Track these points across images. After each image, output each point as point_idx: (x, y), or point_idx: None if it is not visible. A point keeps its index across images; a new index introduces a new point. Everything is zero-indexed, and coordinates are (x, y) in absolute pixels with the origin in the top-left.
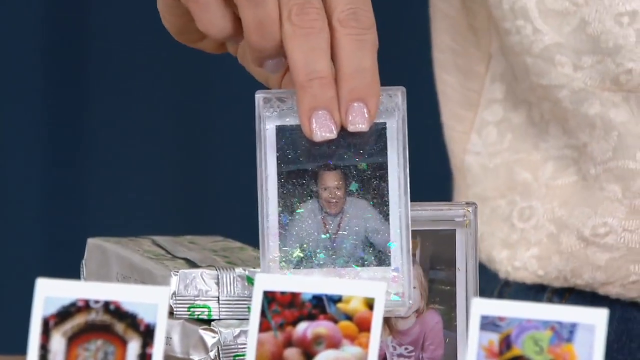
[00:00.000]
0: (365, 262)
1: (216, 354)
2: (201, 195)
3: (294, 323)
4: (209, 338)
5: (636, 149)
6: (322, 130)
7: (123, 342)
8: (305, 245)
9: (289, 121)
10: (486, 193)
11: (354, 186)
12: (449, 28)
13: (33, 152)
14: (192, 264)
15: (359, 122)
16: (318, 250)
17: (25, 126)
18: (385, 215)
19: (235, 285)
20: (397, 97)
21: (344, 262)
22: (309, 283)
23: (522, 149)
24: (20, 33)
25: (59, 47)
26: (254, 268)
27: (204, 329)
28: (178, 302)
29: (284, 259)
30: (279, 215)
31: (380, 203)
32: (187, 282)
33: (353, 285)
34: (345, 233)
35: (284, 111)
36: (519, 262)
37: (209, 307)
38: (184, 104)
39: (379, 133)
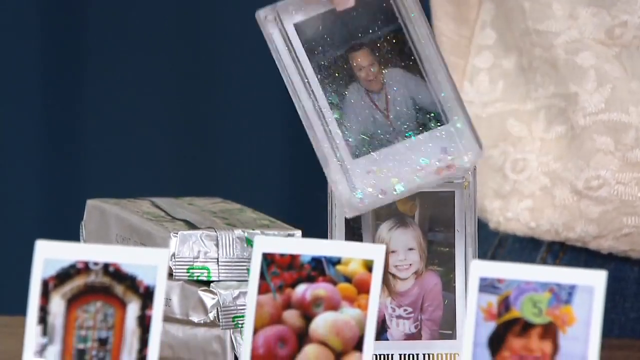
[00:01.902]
0: (426, 127)
1: (215, 315)
2: (201, 157)
3: (293, 285)
4: (209, 299)
5: (629, 103)
6: None
7: (123, 304)
8: (365, 128)
9: (301, 17)
10: None
11: (383, 57)
12: None
13: (32, 117)
14: (192, 226)
15: None
16: (378, 130)
17: (22, 94)
18: (422, 76)
19: (234, 246)
20: None
21: (405, 134)
22: (307, 245)
23: (515, 99)
24: (17, 31)
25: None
26: (253, 229)
27: (204, 290)
28: (177, 263)
29: (351, 145)
30: (330, 106)
31: (413, 66)
32: (187, 243)
33: (352, 247)
34: (396, 105)
35: (289, 14)
36: (511, 213)
37: (208, 269)
38: (182, 70)
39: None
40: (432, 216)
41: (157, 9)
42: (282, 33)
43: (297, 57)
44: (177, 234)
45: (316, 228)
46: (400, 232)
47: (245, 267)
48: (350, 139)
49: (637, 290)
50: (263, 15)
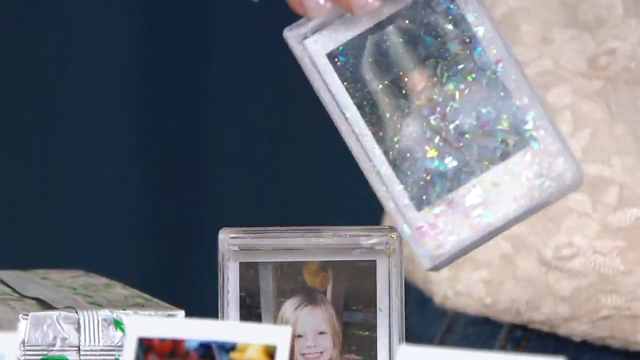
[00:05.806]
0: (505, 154)
1: None
2: (56, 217)
3: None
4: None
5: (612, 153)
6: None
7: None
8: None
9: (332, 43)
10: None
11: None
12: None
13: None
14: (46, 305)
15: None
16: (447, 167)
17: None
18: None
19: (100, 331)
20: None
21: (480, 167)
22: (194, 327)
23: None
24: None
25: None
26: (125, 310)
27: None
28: (28, 352)
29: (414, 195)
30: (385, 155)
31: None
32: (40, 328)
33: (250, 330)
34: (464, 132)
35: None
36: (462, 286)
37: (67, 359)
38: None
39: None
40: (348, 292)
41: None
42: (315, 66)
43: (333, 96)
44: (27, 316)
45: (204, 306)
46: (309, 311)
47: (114, 357)
48: (411, 188)
49: None
50: (290, 41)
